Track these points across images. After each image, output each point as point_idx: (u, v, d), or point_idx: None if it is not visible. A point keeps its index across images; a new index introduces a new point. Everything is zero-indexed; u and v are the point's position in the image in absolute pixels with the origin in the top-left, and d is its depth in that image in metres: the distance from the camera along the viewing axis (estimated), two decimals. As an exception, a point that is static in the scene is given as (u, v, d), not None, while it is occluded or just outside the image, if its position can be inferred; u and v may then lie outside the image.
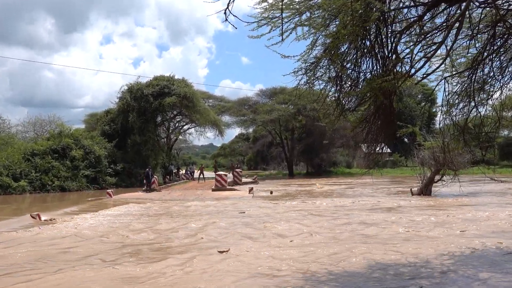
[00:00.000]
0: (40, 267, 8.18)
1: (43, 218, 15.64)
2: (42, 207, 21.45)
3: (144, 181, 30.76)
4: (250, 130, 69.79)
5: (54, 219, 15.57)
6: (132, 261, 8.47)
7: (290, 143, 60.29)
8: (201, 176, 39.05)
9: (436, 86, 6.71)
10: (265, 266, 7.86)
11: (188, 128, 55.36)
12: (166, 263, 8.19)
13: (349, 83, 6.35)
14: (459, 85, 6.89)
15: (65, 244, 10.47)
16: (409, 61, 5.71)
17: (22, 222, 14.84)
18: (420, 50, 5.83)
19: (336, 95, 6.50)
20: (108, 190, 27.44)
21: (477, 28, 6.26)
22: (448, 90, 6.68)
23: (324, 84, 6.34)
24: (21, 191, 30.70)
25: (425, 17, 5.77)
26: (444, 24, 5.83)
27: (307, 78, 6.15)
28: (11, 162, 32.16)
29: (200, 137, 56.85)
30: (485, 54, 6.45)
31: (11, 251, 9.62)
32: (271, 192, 27.50)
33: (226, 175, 30.21)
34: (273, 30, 5.52)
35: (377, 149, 6.94)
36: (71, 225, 13.69)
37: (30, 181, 31.97)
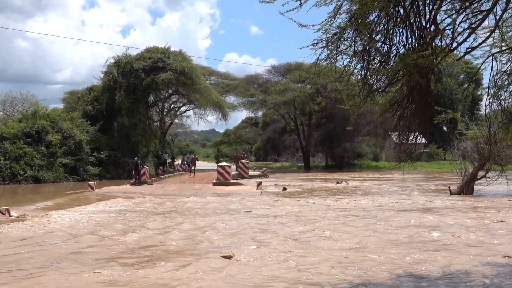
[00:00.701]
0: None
1: (13, 213, 15.75)
2: (12, 201, 21.62)
3: (133, 172, 30.92)
4: (259, 113, 69.77)
5: (26, 215, 15.69)
6: (114, 268, 8.48)
7: (306, 130, 60.28)
8: (192, 167, 38.94)
9: (482, 64, 6.59)
10: (283, 276, 7.85)
11: (186, 110, 55.74)
12: (156, 271, 8.21)
13: (378, 58, 6.30)
14: (509, 62, 6.75)
15: (33, 245, 10.54)
16: (450, 33, 5.64)
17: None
18: (463, 20, 5.72)
19: (363, 72, 6.46)
20: (90, 182, 27.59)
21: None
22: (496, 69, 6.51)
23: (348, 60, 6.29)
24: (-13, 182, 31.09)
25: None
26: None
27: (329, 52, 6.11)
28: (-25, 147, 32.52)
29: (200, 121, 57.26)
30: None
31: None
32: (284, 188, 27.53)
33: (230, 167, 30.25)
34: (289, -8, 5.47)
35: (410, 138, 6.89)
36: (43, 222, 13.77)
37: (-2, 170, 32.41)
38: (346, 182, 31.26)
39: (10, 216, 15.37)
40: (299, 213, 16.07)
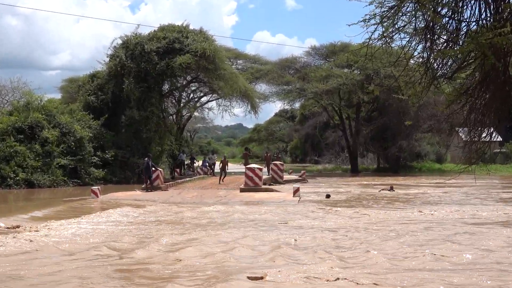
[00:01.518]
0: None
1: (1, 224, 15.96)
2: (1, 209, 21.96)
3: (143, 175, 31.16)
4: (297, 105, 69.81)
5: (19, 226, 15.90)
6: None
7: (354, 125, 60.06)
8: (222, 171, 38.87)
9: None
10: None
11: (208, 101, 55.97)
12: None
13: (444, 37, 6.22)
14: None
15: (29, 261, 10.69)
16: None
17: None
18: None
19: (425, 55, 6.39)
20: (93, 187, 27.83)
21: None
22: None
23: (407, 39, 6.23)
24: (-28, 186, 31.65)
25: None
26: None
27: (383, 29, 6.06)
28: (-42, 145, 33.08)
29: (225, 114, 57.27)
30: None
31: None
32: (328, 196, 27.41)
33: (261, 170, 30.21)
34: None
35: (483, 135, 6.77)
36: (31, 236, 13.94)
37: (-16, 172, 32.92)
38: (392, 189, 30.68)
39: (-1, 227, 15.58)
40: (350, 227, 15.93)
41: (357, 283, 8.61)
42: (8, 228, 15.63)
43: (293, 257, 11.16)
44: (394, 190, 30.26)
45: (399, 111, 51.83)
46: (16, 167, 33.63)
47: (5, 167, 33.29)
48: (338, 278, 8.92)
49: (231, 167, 40.73)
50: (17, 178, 33.32)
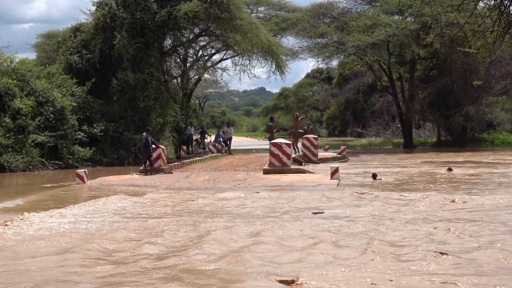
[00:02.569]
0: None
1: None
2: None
3: (141, 155, 31.20)
4: (334, 63, 69.64)
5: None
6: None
7: (407, 88, 59.68)
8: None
9: None
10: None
11: (221, 60, 55.87)
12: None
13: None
14: None
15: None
16: None
17: None
18: None
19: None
20: (78, 171, 27.91)
21: None
22: None
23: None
24: None
25: None
26: None
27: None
28: None
29: (243, 76, 57.36)
30: None
31: None
32: (374, 176, 27.22)
33: (289, 146, 30.12)
34: None
35: None
36: (5, 231, 14.05)
37: None
38: (450, 170, 30.41)
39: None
40: (408, 215, 15.85)
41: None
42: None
43: (330, 255, 11.12)
44: (452, 171, 30.09)
45: (464, 69, 51.46)
46: (-19, 146, 33.75)
47: (-33, 146, 33.51)
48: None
49: (251, 142, 40.54)
50: (-17, 159, 33.45)
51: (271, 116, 56.22)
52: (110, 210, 18.15)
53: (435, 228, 13.54)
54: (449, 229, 13.30)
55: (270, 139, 35.06)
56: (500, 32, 5.85)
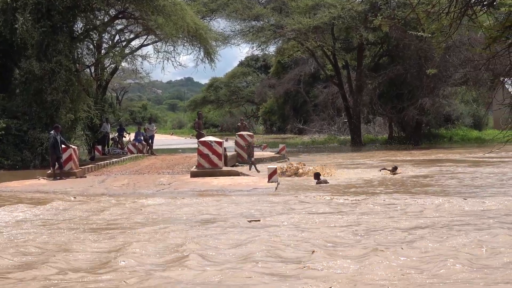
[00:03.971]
0: None
1: None
2: None
3: (49, 156, 30.92)
4: (271, 49, 69.88)
5: None
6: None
7: (355, 77, 60.17)
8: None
9: None
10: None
11: (141, 46, 55.53)
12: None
13: None
14: None
15: None
16: None
17: None
18: None
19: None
20: (-25, 176, 27.73)
21: None
22: None
23: None
24: None
25: None
26: None
27: None
28: None
29: (166, 65, 57.13)
30: None
31: None
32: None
33: (220, 144, 30.08)
34: None
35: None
36: None
37: None
38: (395, 170, 30.56)
39: None
40: (361, 223, 15.97)
41: None
42: None
43: (273, 273, 11.12)
44: (397, 173, 30.23)
45: (419, 55, 52.14)
46: None
47: None
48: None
49: (176, 141, 40.46)
50: None
51: (199, 112, 56.21)
52: (11, 221, 17.86)
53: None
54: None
55: (198, 137, 34.99)
56: (456, 14, 5.86)
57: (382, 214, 17.40)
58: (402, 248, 12.37)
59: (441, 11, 6.26)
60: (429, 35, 9.38)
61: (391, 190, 23.95)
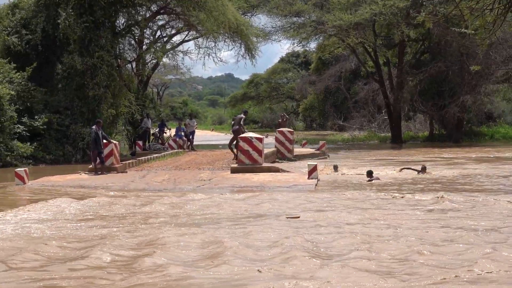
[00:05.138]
0: None
1: None
2: None
3: (90, 151, 31.01)
4: (312, 46, 69.77)
5: None
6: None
7: (396, 74, 59.79)
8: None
9: None
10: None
11: (182, 42, 55.55)
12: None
13: None
14: None
15: None
16: None
17: None
18: None
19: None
20: (18, 170, 27.73)
21: None
22: None
23: None
24: None
25: None
26: None
27: None
28: None
29: (207, 60, 57.08)
30: None
31: None
32: (370, 176, 26.92)
33: (261, 141, 29.95)
34: None
35: None
36: None
37: None
38: (424, 171, 29.08)
39: None
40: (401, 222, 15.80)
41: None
42: None
43: (310, 269, 11.03)
44: (425, 172, 28.94)
45: (461, 52, 51.69)
46: None
47: None
48: None
49: (217, 137, 40.11)
50: None
51: (245, 110, 55.55)
52: (54, 214, 17.97)
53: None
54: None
55: (234, 133, 34.76)
56: (501, 10, 5.74)
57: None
58: None
59: (485, 7, 6.16)
60: (472, 31, 9.27)
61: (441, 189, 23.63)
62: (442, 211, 17.16)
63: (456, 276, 9.94)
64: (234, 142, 32.68)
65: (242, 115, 37.85)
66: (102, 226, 15.75)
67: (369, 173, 26.66)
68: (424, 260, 11.06)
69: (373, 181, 25.65)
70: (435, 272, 10.19)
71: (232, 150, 32.98)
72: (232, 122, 38.15)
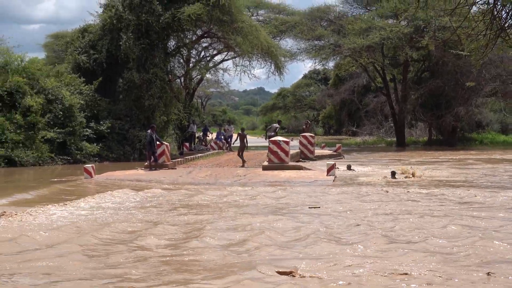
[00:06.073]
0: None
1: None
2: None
3: (146, 151, 31.24)
4: (330, 64, 69.65)
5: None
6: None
7: (400, 89, 59.61)
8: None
9: None
10: None
11: (222, 61, 55.79)
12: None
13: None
14: None
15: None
16: None
17: None
18: None
19: (491, 0, 6.30)
20: (86, 166, 27.94)
21: None
22: None
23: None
24: None
25: None
26: None
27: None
28: None
29: (243, 76, 57.39)
30: None
31: None
32: (393, 175, 26.54)
33: (287, 143, 30.02)
34: None
35: None
36: (17, 222, 14.08)
37: (-45, 147, 32.86)
38: (394, 175, 26.61)
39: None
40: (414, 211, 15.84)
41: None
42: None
43: (325, 249, 11.11)
44: (395, 178, 26.47)
45: (455, 71, 51.44)
46: (-7, 142, 33.68)
47: (-20, 141, 33.36)
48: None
49: (250, 140, 39.70)
50: (-5, 154, 33.41)
51: (279, 120, 55.36)
52: (118, 203, 18.25)
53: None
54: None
55: (268, 138, 34.69)
56: (492, 35, 5.83)
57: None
58: None
59: (479, 33, 6.24)
60: (468, 53, 9.33)
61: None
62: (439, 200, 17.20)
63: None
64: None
65: (277, 125, 37.88)
66: (157, 213, 15.98)
67: (393, 173, 26.55)
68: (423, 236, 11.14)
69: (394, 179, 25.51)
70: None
71: (241, 158, 32.45)
72: (267, 129, 38.19)
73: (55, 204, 17.39)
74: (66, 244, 11.53)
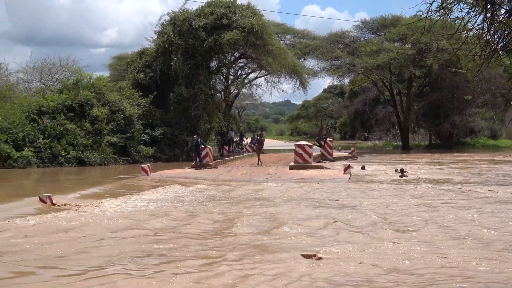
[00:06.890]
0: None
1: (51, 201, 16.07)
2: (53, 187, 22.50)
3: (192, 153, 31.41)
4: (346, 80, 69.26)
5: (67, 204, 16.10)
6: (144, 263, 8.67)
7: (405, 101, 59.36)
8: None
9: None
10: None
11: (256, 78, 55.83)
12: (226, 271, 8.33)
13: (506, 7, 6.07)
14: None
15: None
16: None
17: (27, 207, 15.53)
18: None
19: (485, 26, 6.25)
20: (143, 165, 28.24)
21: None
22: None
23: (467, 9, 6.09)
24: (24, 164, 31.94)
25: None
26: None
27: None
28: (10, 123, 33.22)
29: (273, 91, 57.48)
30: None
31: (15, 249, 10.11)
32: (402, 172, 26.56)
33: (310, 147, 30.08)
34: None
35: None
36: (90, 213, 14.26)
37: (36, 150, 33.14)
38: (402, 172, 26.90)
39: (52, 205, 15.82)
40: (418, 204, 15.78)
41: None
42: (63, 205, 15.90)
43: (343, 236, 11.11)
44: (403, 174, 26.50)
45: (452, 86, 51.29)
46: (67, 145, 33.93)
47: (56, 145, 33.61)
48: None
49: (278, 144, 39.87)
50: (68, 156, 33.62)
51: (327, 128, 54.61)
52: (171, 196, 18.51)
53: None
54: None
55: (318, 141, 35.37)
56: (486, 56, 5.85)
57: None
58: None
59: (475, 54, 6.26)
60: (465, 71, 9.34)
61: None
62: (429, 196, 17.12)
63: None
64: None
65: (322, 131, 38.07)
66: (203, 204, 16.10)
67: (402, 171, 26.47)
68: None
69: (402, 178, 25.33)
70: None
71: (259, 158, 32.80)
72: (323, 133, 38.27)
73: (120, 197, 17.69)
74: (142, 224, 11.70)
